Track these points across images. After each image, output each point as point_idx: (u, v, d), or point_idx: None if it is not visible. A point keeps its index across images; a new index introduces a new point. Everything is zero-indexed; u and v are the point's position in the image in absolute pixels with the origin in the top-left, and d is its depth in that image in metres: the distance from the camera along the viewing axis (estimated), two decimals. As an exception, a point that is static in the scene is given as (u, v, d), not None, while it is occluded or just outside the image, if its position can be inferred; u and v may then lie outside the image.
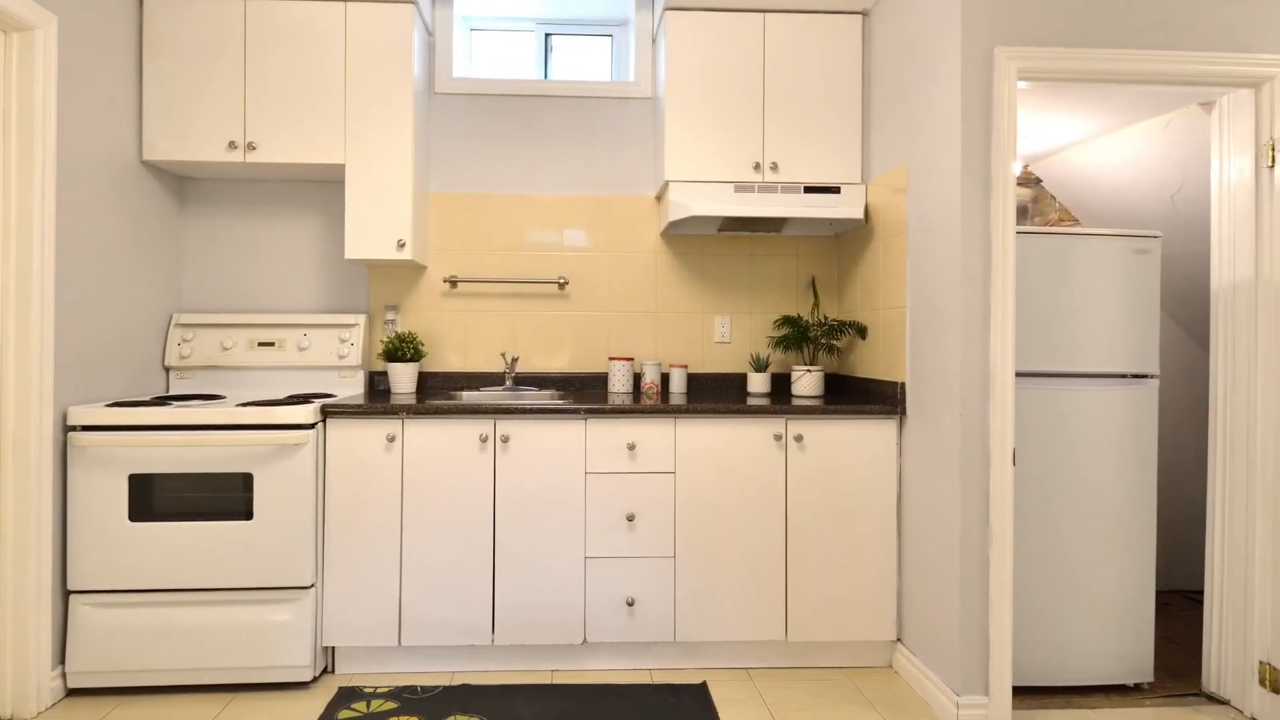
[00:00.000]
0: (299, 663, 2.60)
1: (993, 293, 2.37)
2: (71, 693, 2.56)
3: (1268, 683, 2.47)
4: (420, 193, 3.26)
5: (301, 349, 3.18)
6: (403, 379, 3.17)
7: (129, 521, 2.53)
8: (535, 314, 3.46)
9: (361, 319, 3.28)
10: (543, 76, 3.73)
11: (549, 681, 2.72)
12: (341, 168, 3.07)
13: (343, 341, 3.21)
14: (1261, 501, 2.51)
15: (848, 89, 3.18)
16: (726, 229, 3.38)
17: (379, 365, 3.38)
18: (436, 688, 2.65)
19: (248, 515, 2.58)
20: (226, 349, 3.16)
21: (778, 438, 2.80)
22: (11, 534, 2.41)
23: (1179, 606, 3.53)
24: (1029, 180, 3.49)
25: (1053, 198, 3.61)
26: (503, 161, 3.49)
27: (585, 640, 2.77)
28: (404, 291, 3.42)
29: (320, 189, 3.40)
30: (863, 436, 2.83)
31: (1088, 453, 2.72)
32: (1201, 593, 3.19)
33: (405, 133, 3.06)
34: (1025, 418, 2.66)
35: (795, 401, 2.97)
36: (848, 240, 3.45)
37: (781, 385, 3.49)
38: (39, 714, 2.43)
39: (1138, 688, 2.72)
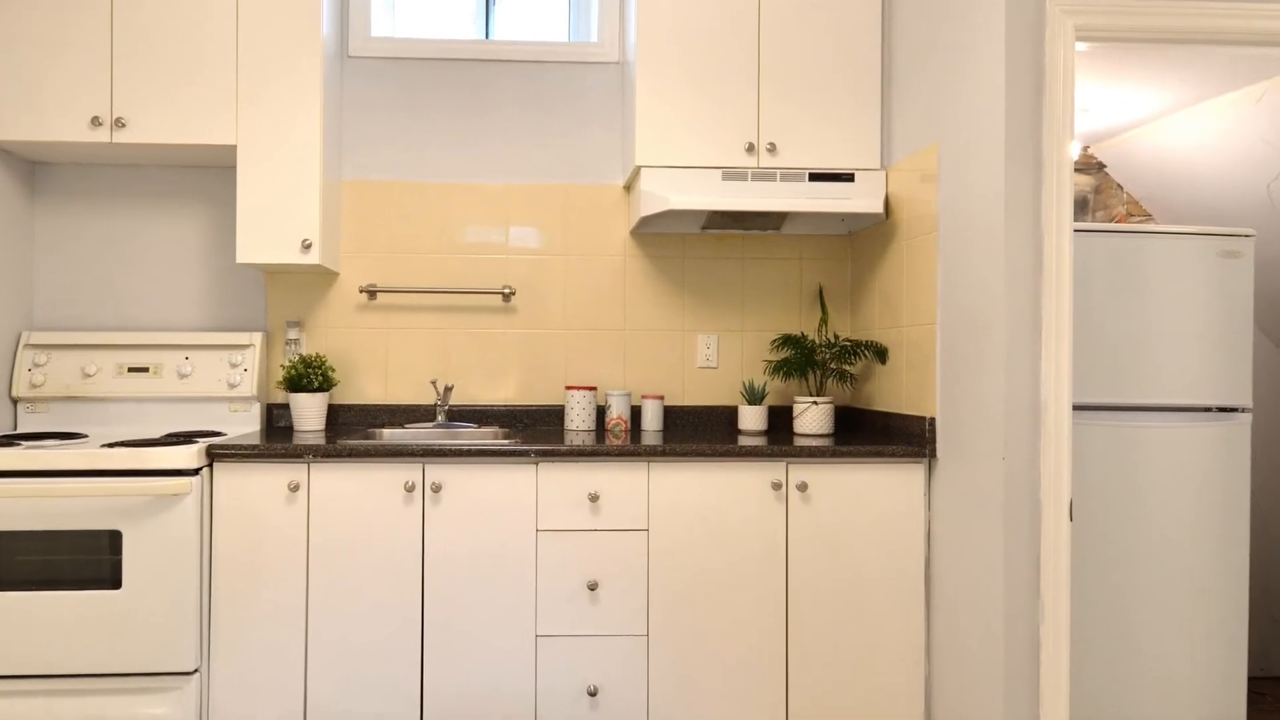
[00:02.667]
0: (178, 767, 2.59)
1: (1045, 305, 2.34)
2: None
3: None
4: (330, 181, 3.24)
5: (183, 376, 3.19)
6: (309, 413, 3.15)
7: (-33, 591, 2.52)
8: (474, 332, 3.46)
9: (257, 338, 3.27)
10: (484, 36, 3.74)
11: (489, 793, 2.73)
12: (233, 150, 3.05)
13: (234, 367, 3.21)
14: (1381, 571, 2.52)
15: (864, 52, 3.16)
16: (713, 226, 3.37)
17: (279, 396, 3.34)
18: (347, 802, 2.68)
19: (115, 583, 2.57)
20: (89, 376, 3.15)
21: (776, 487, 2.79)
22: None
23: (1277, 697, 3.52)
24: (1090, 166, 3.56)
25: (1119, 187, 3.67)
26: (433, 142, 3.48)
27: (536, 739, 2.76)
28: (310, 304, 3.41)
29: (207, 177, 3.39)
30: (882, 485, 2.83)
31: (1163, 505, 2.72)
32: (1306, 679, 3.24)
33: (312, 106, 3.04)
34: (1085, 461, 2.65)
35: (799, 441, 2.94)
36: (863, 240, 3.44)
37: (781, 421, 3.46)
38: None
39: (1226, 800, 2.69)
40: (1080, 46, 2.48)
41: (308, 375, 3.16)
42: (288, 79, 3.06)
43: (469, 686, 2.77)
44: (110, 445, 2.69)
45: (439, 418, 3.35)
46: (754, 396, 3.32)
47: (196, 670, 2.65)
